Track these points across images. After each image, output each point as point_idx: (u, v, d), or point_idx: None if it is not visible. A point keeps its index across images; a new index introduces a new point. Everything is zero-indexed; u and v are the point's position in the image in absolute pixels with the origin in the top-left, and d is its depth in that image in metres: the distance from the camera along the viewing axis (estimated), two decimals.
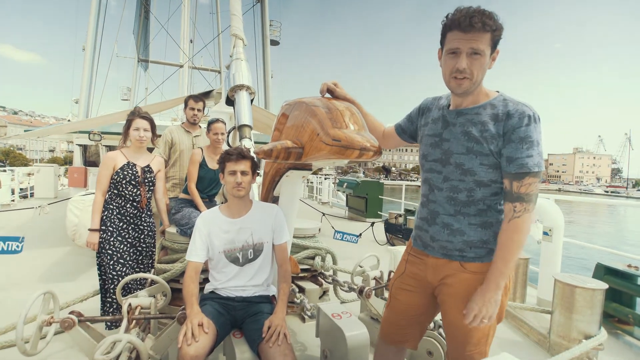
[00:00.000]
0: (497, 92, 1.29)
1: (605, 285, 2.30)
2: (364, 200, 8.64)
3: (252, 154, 1.92)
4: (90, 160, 11.65)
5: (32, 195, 10.22)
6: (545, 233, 3.38)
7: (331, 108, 1.40)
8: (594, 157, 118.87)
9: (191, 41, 15.39)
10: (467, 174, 1.26)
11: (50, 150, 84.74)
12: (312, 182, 13.77)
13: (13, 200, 9.09)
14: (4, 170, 9.05)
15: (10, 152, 57.73)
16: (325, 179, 12.81)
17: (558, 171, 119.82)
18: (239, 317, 1.74)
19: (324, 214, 6.90)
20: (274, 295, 1.89)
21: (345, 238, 4.23)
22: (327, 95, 1.55)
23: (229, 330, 1.71)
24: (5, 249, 2.97)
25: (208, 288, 1.85)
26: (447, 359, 1.45)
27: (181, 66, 14.92)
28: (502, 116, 1.20)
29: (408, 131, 1.55)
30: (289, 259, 2.04)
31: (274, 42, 17.78)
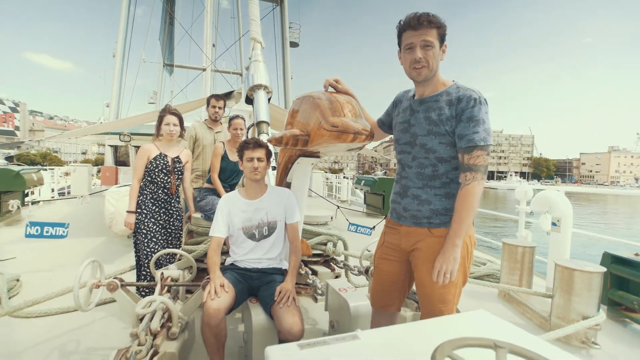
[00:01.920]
0: (453, 81, 1.52)
1: (603, 269, 2.38)
2: (381, 198, 8.74)
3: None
4: (121, 160, 12.38)
5: (68, 193, 10.98)
6: (553, 224, 3.45)
7: (332, 100, 1.62)
8: (632, 156, 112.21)
9: (213, 45, 15.96)
10: (430, 152, 1.49)
11: (83, 153, 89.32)
12: (331, 182, 13.97)
13: (53, 197, 9.83)
14: (45, 170, 9.79)
15: (47, 154, 61.36)
16: (344, 177, 13.00)
17: (591, 171, 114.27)
18: (255, 285, 1.98)
19: (338, 207, 7.07)
20: (285, 269, 2.12)
21: (359, 230, 4.35)
22: (331, 89, 1.77)
23: (246, 297, 1.96)
24: (53, 233, 3.35)
25: (228, 261, 2.11)
26: (421, 318, 1.62)
27: (204, 69, 15.52)
28: (454, 101, 1.43)
29: (387, 123, 1.78)
30: (301, 241, 2.26)
31: (294, 44, 18.13)
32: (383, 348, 1.03)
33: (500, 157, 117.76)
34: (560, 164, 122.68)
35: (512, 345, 0.88)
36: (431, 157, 1.49)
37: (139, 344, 1.60)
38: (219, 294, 1.69)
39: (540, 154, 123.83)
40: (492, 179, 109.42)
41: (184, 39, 17.43)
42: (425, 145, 1.49)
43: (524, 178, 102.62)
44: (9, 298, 2.74)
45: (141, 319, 1.76)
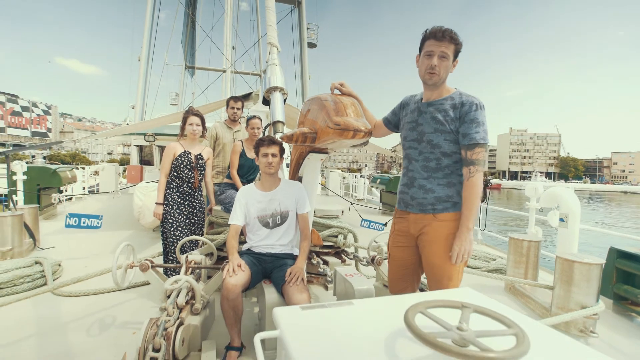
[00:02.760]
0: (455, 88, 1.72)
1: (602, 261, 2.47)
2: (396, 196, 8.81)
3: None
4: (145, 160, 12.95)
5: (97, 191, 11.63)
6: (561, 220, 3.51)
7: (337, 102, 1.81)
8: None
9: (233, 48, 16.38)
10: (435, 147, 1.70)
11: (109, 153, 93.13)
12: (348, 181, 14.13)
13: (84, 194, 10.47)
14: (77, 169, 10.43)
15: (76, 154, 64.42)
16: (360, 176, 13.13)
17: (624, 171, 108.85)
18: (268, 268, 2.19)
19: (352, 203, 7.21)
20: (296, 255, 2.32)
21: (372, 226, 4.48)
22: (337, 92, 1.96)
23: (260, 278, 2.18)
24: (89, 224, 3.70)
25: (245, 247, 2.34)
26: None
27: (224, 71, 15.98)
28: (458, 105, 1.65)
29: (392, 122, 1.99)
30: (312, 231, 2.46)
31: (311, 45, 18.34)
32: (372, 312, 1.21)
33: (524, 157, 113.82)
34: (589, 164, 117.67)
35: (477, 306, 1.05)
36: (436, 152, 1.71)
37: (168, 315, 1.85)
38: (236, 272, 1.92)
39: (568, 153, 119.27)
40: (516, 178, 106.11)
41: (204, 41, 17.95)
42: (431, 142, 1.71)
43: (550, 178, 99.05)
44: (53, 280, 3.08)
45: (168, 296, 2.02)
